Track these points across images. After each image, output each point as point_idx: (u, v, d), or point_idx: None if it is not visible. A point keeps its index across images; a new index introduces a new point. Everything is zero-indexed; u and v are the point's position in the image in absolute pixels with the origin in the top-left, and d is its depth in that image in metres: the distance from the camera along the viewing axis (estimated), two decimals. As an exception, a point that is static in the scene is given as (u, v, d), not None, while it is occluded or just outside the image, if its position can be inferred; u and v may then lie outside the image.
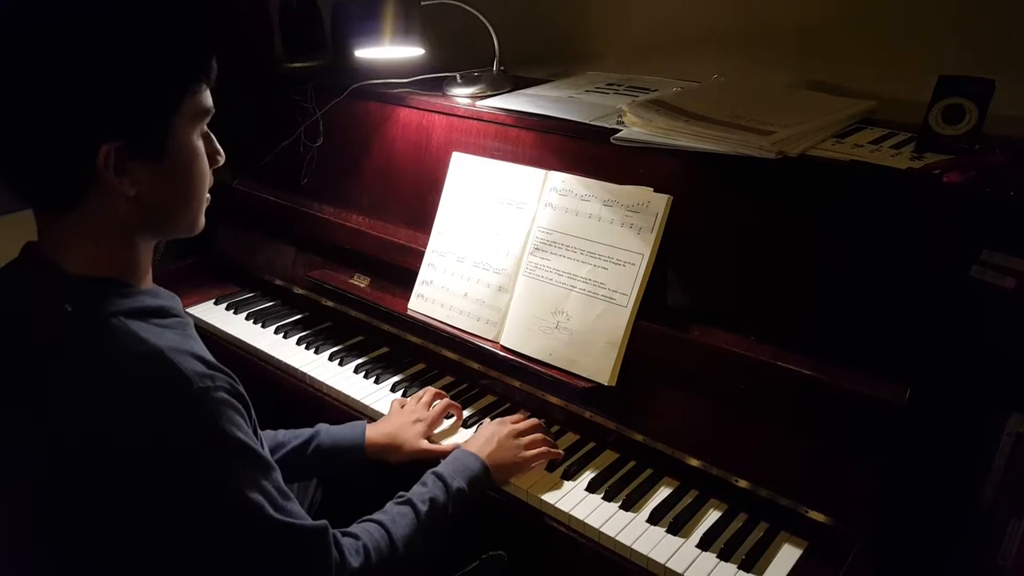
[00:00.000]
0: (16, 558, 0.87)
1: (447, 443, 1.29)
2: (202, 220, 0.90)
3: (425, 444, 1.26)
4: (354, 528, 1.00)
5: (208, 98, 0.85)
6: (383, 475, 1.25)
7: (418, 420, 1.29)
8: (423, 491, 1.09)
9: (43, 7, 0.74)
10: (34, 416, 0.80)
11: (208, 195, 0.89)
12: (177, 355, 0.78)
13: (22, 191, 0.81)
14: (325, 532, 0.90)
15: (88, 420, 0.77)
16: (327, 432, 1.25)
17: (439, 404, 1.34)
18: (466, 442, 1.23)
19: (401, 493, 1.09)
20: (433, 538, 1.06)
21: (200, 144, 0.85)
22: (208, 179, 0.88)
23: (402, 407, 1.34)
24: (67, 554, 0.83)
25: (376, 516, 1.04)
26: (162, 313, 0.85)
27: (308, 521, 0.87)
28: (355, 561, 0.94)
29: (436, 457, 1.23)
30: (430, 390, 1.37)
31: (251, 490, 0.82)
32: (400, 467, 1.25)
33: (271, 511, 0.83)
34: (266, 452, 0.86)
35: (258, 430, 0.89)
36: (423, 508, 1.05)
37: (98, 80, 0.75)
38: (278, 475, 0.87)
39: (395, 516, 1.03)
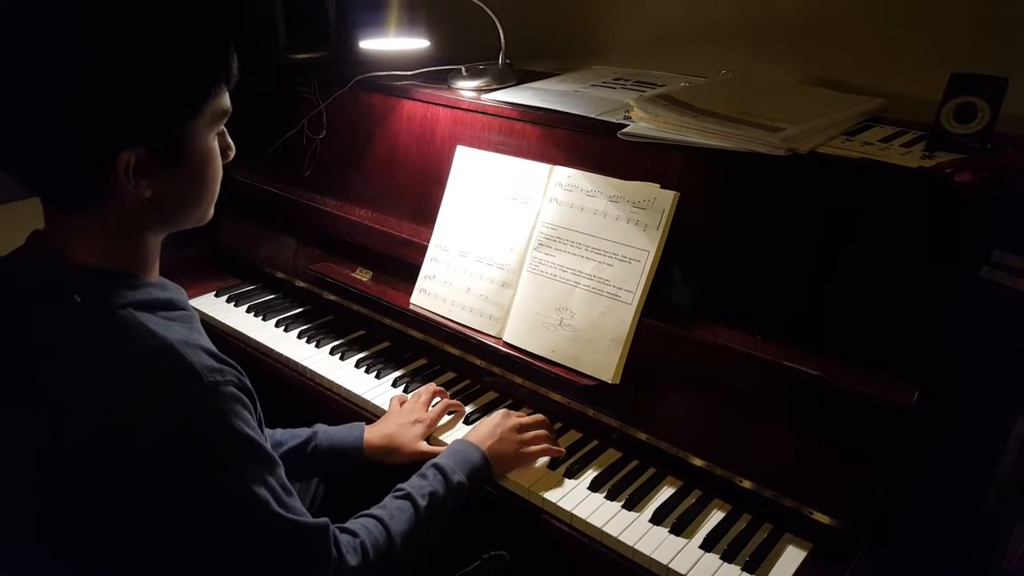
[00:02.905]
0: (18, 551, 0.86)
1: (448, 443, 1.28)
2: (211, 212, 0.91)
3: (424, 446, 1.25)
4: (352, 524, 1.00)
5: (227, 99, 0.85)
6: (387, 472, 1.23)
7: (417, 421, 1.28)
8: (423, 484, 1.08)
9: (68, 15, 0.74)
10: (40, 406, 0.79)
11: None
12: (187, 348, 0.79)
13: (35, 189, 0.81)
14: (325, 531, 0.90)
15: (96, 412, 0.77)
16: (325, 433, 1.24)
17: (439, 404, 1.33)
18: (468, 432, 1.23)
19: (400, 486, 1.08)
20: (432, 532, 1.05)
21: (216, 144, 0.86)
22: (220, 176, 0.89)
23: (401, 404, 1.33)
24: (71, 546, 0.82)
25: (375, 511, 1.03)
26: (169, 306, 0.85)
27: (309, 519, 0.87)
28: (353, 560, 0.93)
29: None
30: (430, 387, 1.36)
31: (257, 485, 0.82)
32: (401, 466, 1.24)
33: (275, 507, 0.83)
34: (270, 448, 0.86)
35: (263, 423, 0.89)
36: (422, 503, 1.05)
37: (122, 89, 0.75)
38: (282, 471, 0.87)
39: (393, 511, 1.03)
